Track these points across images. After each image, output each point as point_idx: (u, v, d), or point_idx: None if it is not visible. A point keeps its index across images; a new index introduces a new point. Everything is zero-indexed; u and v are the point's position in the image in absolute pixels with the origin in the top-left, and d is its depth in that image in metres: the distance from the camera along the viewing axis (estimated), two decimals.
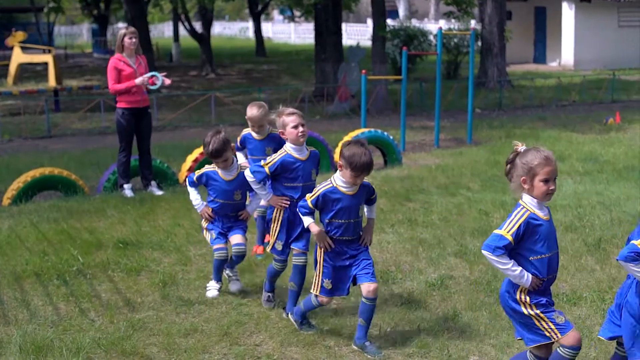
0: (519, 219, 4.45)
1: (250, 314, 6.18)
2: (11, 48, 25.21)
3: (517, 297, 4.52)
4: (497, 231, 4.48)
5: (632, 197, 9.95)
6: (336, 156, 12.13)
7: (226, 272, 6.84)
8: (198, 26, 36.47)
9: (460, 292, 6.66)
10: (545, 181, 4.47)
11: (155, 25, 57.53)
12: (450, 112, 19.91)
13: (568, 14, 33.21)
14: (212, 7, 32.91)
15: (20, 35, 25.05)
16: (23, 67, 24.80)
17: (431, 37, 30.82)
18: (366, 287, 5.48)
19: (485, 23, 26.88)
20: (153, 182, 10.90)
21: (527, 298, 4.49)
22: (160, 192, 10.74)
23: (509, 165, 4.64)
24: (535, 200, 4.50)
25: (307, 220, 5.66)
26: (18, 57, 24.53)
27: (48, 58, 23.32)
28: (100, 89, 21.87)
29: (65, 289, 6.84)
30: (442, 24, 37.01)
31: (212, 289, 6.73)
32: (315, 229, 5.60)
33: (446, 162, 13.26)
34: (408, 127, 15.66)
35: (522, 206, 4.51)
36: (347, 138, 12.59)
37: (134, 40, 10.39)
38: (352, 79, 20.74)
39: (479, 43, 27.53)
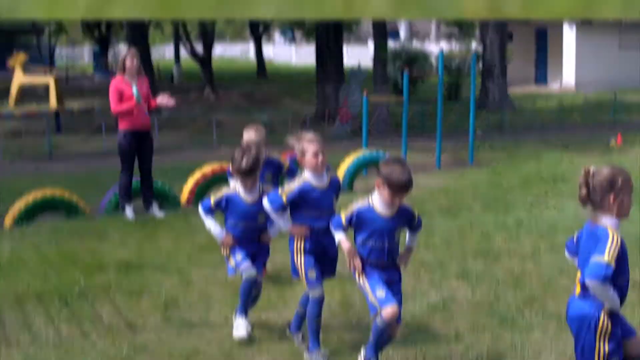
0: (616, 243, 4.23)
1: (252, 337, 6.16)
2: (12, 69, 25.28)
3: (601, 323, 4.35)
4: (599, 259, 4.20)
5: (633, 220, 9.93)
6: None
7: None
8: (199, 47, 36.59)
9: (462, 314, 6.64)
10: (629, 197, 4.35)
11: (157, 47, 57.80)
12: (451, 133, 19.96)
13: (569, 36, 33.34)
14: (213, 28, 33.00)
15: (21, 56, 25.10)
16: (24, 89, 24.82)
17: (432, 59, 30.93)
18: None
19: (486, 45, 26.98)
20: (154, 204, 10.89)
21: (609, 326, 4.35)
22: (161, 214, 10.73)
23: (585, 190, 4.40)
24: (616, 220, 4.35)
25: (338, 236, 5.36)
26: (19, 78, 24.59)
27: (49, 80, 23.38)
28: (102, 112, 21.88)
29: (67, 311, 6.83)
30: (444, 45, 37.13)
31: (241, 327, 6.09)
32: (346, 245, 5.30)
33: (448, 183, 13.26)
34: (409, 148, 15.65)
35: (610, 229, 4.29)
36: (348, 160, 12.60)
37: (135, 61, 10.40)
38: (354, 101, 20.78)
39: (480, 65, 27.64)
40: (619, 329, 4.39)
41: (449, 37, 28.22)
